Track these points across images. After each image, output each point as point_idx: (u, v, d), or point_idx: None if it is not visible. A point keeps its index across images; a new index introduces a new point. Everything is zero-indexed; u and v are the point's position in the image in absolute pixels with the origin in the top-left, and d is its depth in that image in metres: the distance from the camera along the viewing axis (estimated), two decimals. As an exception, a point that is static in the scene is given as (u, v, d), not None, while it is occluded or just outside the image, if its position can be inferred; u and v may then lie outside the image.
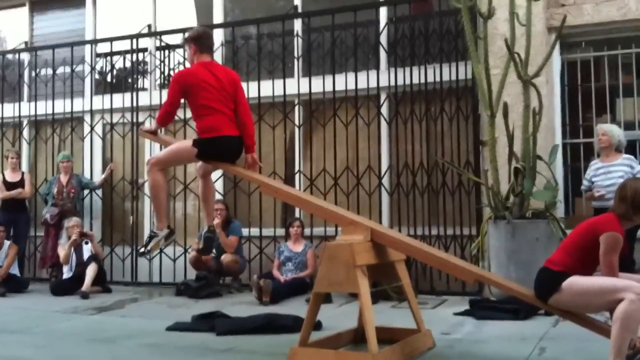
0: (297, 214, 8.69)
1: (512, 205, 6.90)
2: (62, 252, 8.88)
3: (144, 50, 10.07)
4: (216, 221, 7.88)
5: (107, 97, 10.04)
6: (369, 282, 4.53)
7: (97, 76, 10.52)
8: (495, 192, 6.95)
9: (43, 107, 10.40)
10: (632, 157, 6.90)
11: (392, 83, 8.47)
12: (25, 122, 10.69)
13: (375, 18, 8.75)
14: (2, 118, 10.75)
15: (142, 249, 5.78)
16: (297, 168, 9.04)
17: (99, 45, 10.41)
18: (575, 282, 4.15)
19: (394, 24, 8.67)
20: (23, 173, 9.91)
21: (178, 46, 9.48)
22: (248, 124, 5.53)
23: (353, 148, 8.64)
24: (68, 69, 10.35)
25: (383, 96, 8.64)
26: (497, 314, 6.19)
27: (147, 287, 9.15)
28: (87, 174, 10.05)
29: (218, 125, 5.37)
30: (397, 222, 8.30)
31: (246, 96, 5.73)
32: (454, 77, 8.18)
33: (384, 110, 8.62)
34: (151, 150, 9.37)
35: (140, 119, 9.69)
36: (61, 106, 10.26)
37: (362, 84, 8.59)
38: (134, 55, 10.02)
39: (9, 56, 11.14)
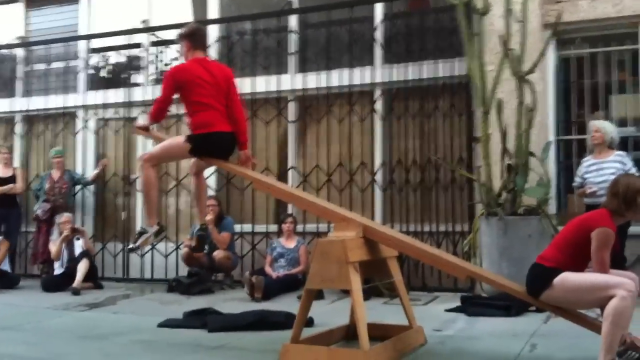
0: (289, 210, 8.67)
1: (504, 201, 6.90)
2: (53, 248, 8.84)
3: (138, 45, 10.03)
4: (209, 217, 7.87)
5: (100, 92, 10.02)
6: (361, 279, 4.52)
7: (91, 71, 10.48)
8: (488, 188, 6.95)
9: (36, 103, 10.35)
10: (624, 153, 6.88)
11: (387, 79, 8.46)
12: (18, 117, 10.64)
13: (370, 14, 8.73)
14: (-5, 113, 10.71)
15: (132, 245, 5.77)
16: (290, 164, 9.03)
17: (93, 40, 10.37)
18: (567, 278, 4.15)
19: (389, 20, 8.65)
20: (15, 168, 9.84)
21: (172, 42, 9.43)
22: (241, 121, 5.52)
23: (346, 144, 8.63)
24: (62, 64, 10.31)
25: (377, 93, 8.63)
26: (488, 311, 6.20)
27: (139, 284, 9.12)
28: (79, 170, 10.01)
29: (211, 121, 5.35)
30: (389, 218, 8.31)
31: (240, 92, 5.71)
32: (448, 74, 8.19)
33: (378, 106, 8.61)
34: (144, 146, 9.34)
35: (134, 115, 9.67)
36: (54, 101, 10.22)
37: (356, 80, 8.60)
38: (128, 51, 9.98)
39: (3, 51, 11.10)
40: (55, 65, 10.42)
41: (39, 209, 9.43)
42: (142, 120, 8.42)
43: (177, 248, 9.00)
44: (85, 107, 10.13)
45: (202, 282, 8.19)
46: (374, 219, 8.22)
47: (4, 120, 10.79)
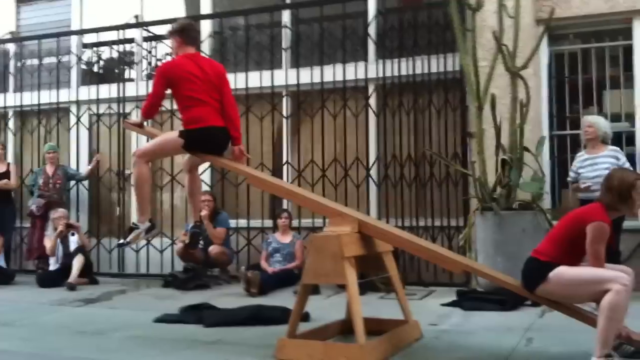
0: (285, 206, 8.68)
1: (499, 196, 6.91)
2: (48, 243, 8.83)
3: (131, 41, 10.00)
4: (204, 212, 7.88)
5: (93, 87, 9.99)
6: (356, 274, 4.53)
7: (83, 67, 10.45)
8: (483, 183, 6.97)
9: (29, 98, 10.32)
10: (617, 149, 6.91)
11: (380, 75, 8.47)
12: (10, 112, 10.60)
13: (363, 10, 8.73)
14: (-12, 108, 10.67)
15: (122, 241, 5.77)
16: (285, 159, 9.02)
17: (86, 35, 10.34)
18: (562, 272, 4.17)
19: (383, 15, 8.66)
20: (9, 164, 9.82)
21: (165, 37, 9.39)
22: (234, 116, 5.52)
23: (341, 140, 8.64)
24: (54, 60, 10.28)
25: (371, 88, 8.64)
26: (484, 305, 6.23)
27: (134, 279, 9.10)
28: (73, 165, 9.98)
29: (204, 116, 5.35)
30: (384, 213, 8.33)
31: (233, 87, 5.71)
32: (442, 69, 8.21)
33: (372, 102, 8.61)
34: (138, 141, 9.33)
35: (127, 110, 9.66)
36: (47, 97, 10.20)
37: (350, 76, 8.60)
38: (121, 46, 9.96)
39: (-5, 46, 11.06)
40: (48, 60, 10.38)
41: (33, 204, 9.41)
42: (135, 116, 8.42)
43: (173, 243, 8.99)
44: (79, 103, 10.10)
45: (197, 278, 8.19)
46: (369, 214, 8.25)
47: (-4, 115, 10.76)
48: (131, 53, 10.10)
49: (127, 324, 5.99)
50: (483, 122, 7.08)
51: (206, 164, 8.08)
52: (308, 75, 8.79)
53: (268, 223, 8.82)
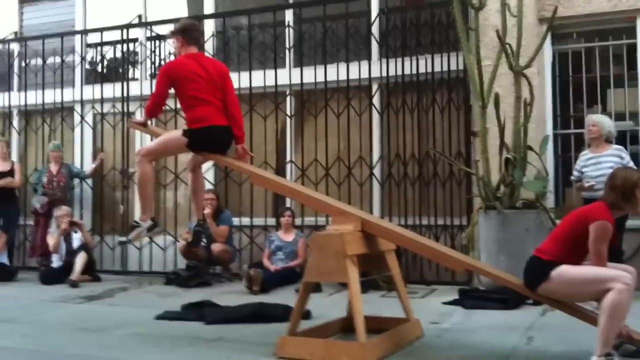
0: (288, 204, 8.68)
1: (502, 195, 6.90)
2: (51, 241, 8.86)
3: (135, 40, 10.02)
4: (207, 211, 7.90)
5: (97, 87, 10.01)
6: (358, 272, 4.53)
7: (87, 66, 10.47)
8: (486, 182, 6.96)
9: (33, 97, 10.35)
10: (622, 147, 6.90)
11: (384, 74, 8.47)
12: (15, 112, 10.64)
13: (366, 9, 8.72)
14: (-7, 108, 10.70)
15: (123, 239, 5.77)
16: (288, 158, 9.03)
17: (89, 35, 10.36)
18: (564, 271, 4.16)
19: (386, 14, 8.65)
20: (13, 162, 9.86)
21: (168, 37, 9.42)
22: (237, 115, 5.52)
23: (344, 138, 8.64)
24: (58, 59, 10.31)
25: (374, 87, 8.63)
26: (486, 304, 6.23)
27: (137, 276, 9.14)
28: (77, 164, 10.02)
29: (207, 115, 5.35)
30: (387, 212, 8.32)
31: (237, 87, 5.72)
32: (445, 68, 8.20)
33: (376, 101, 8.61)
34: (141, 140, 9.34)
35: (131, 109, 9.68)
36: (51, 96, 10.22)
37: (353, 75, 8.59)
38: (125, 46, 9.98)
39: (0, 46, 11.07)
40: (52, 60, 10.40)
41: (37, 202, 9.45)
42: (139, 115, 8.44)
43: (176, 241, 9.00)
44: (83, 102, 10.12)
45: (200, 275, 8.22)
46: (372, 212, 8.24)
47: (1, 114, 10.78)
48: (135, 52, 10.12)
49: (129, 321, 6.00)
50: (487, 121, 7.07)
51: (210, 163, 8.08)
52: (311, 75, 8.79)
53: (271, 221, 8.83)
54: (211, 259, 8.44)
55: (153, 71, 9.87)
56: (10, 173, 9.62)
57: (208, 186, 8.39)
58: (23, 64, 10.68)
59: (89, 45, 10.45)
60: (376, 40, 8.68)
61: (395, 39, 8.59)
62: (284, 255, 8.22)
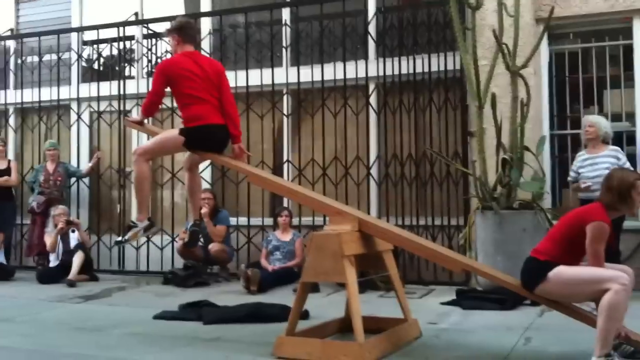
0: (285, 204, 8.68)
1: (499, 195, 6.91)
2: (48, 240, 8.84)
3: (131, 38, 10.00)
4: (204, 210, 7.89)
5: (94, 85, 10.00)
6: (356, 272, 4.53)
7: (83, 64, 10.45)
8: (483, 182, 6.96)
9: (29, 95, 10.32)
10: (618, 148, 6.91)
11: (381, 73, 8.47)
12: (11, 109, 10.61)
13: (363, 8, 8.72)
14: (-11, 105, 10.68)
15: (120, 238, 5.78)
16: (285, 158, 9.02)
17: (86, 33, 10.34)
18: (562, 271, 4.17)
19: (383, 14, 8.66)
20: (9, 161, 9.84)
21: (165, 34, 9.41)
22: (233, 114, 5.51)
23: (341, 138, 8.65)
24: (54, 57, 10.28)
25: (371, 86, 8.63)
26: (483, 304, 6.24)
27: (134, 276, 9.12)
28: (74, 162, 9.98)
29: (203, 113, 5.35)
30: (385, 212, 8.33)
31: (233, 85, 5.71)
32: (442, 68, 8.21)
33: (373, 100, 8.61)
34: (138, 139, 9.34)
35: (128, 107, 9.66)
36: (48, 94, 10.20)
37: (350, 74, 8.59)
38: (121, 43, 9.96)
39: (-5, 43, 11.07)
40: (48, 57, 10.38)
41: (33, 201, 9.43)
42: (136, 113, 8.43)
43: (173, 241, 9.00)
44: (79, 100, 10.10)
45: (197, 275, 8.21)
46: (370, 212, 8.25)
47: (-3, 112, 10.77)
48: (131, 50, 10.11)
49: (126, 320, 6.00)
50: (483, 121, 7.07)
51: (206, 162, 8.09)
52: (308, 74, 8.79)
53: (268, 221, 8.83)
54: (208, 258, 8.43)
55: (150, 69, 9.86)
56: (7, 171, 9.60)
57: (205, 185, 8.39)
58: (19, 62, 10.65)
59: (85, 43, 10.42)
60: (373, 39, 8.68)
61: (392, 38, 8.60)
62: (282, 255, 8.22)
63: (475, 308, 6.20)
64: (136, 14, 10.12)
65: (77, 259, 8.45)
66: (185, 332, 5.44)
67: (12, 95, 10.56)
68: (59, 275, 8.46)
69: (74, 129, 10.13)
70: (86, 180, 9.95)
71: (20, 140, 10.57)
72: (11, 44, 10.85)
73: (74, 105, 10.16)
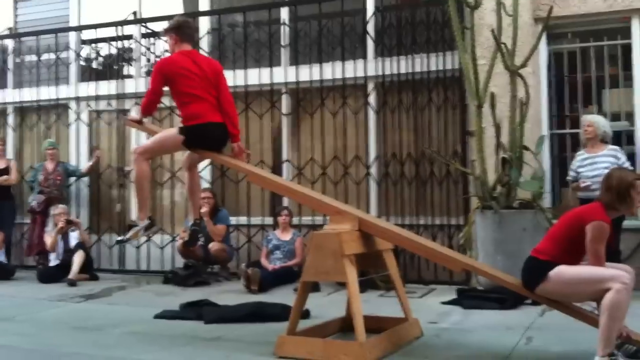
0: (285, 203, 8.68)
1: (499, 195, 6.91)
2: (48, 239, 8.83)
3: (130, 37, 9.99)
4: (204, 210, 7.89)
5: (92, 84, 10.00)
6: (356, 271, 4.54)
7: (82, 63, 10.44)
8: (483, 182, 6.96)
9: (28, 94, 10.31)
10: (617, 148, 6.92)
11: (380, 72, 8.47)
12: (10, 108, 10.60)
13: (362, 7, 8.72)
14: (-12, 104, 10.67)
15: (120, 237, 5.78)
16: (284, 157, 9.02)
17: (84, 32, 10.33)
18: (562, 271, 4.18)
19: (381, 13, 8.66)
20: (9, 160, 9.84)
21: (162, 34, 9.39)
22: (232, 113, 5.52)
23: (341, 137, 8.66)
24: (53, 56, 10.28)
25: (370, 86, 8.63)
26: (484, 303, 6.24)
27: (135, 275, 9.12)
28: (73, 162, 9.97)
29: (202, 112, 5.35)
30: (385, 211, 8.33)
31: (232, 85, 5.71)
32: (441, 67, 8.21)
33: (372, 99, 8.61)
34: (137, 138, 9.34)
35: (126, 107, 9.66)
36: (46, 93, 10.20)
37: (349, 73, 8.60)
38: (119, 43, 9.95)
39: (-7, 42, 11.05)
40: (47, 56, 10.37)
41: (33, 200, 9.42)
42: (135, 112, 8.42)
43: (173, 240, 9.00)
44: (78, 99, 10.10)
45: (198, 274, 8.21)
46: (369, 211, 8.25)
47: (-4, 111, 10.76)
48: (130, 49, 10.09)
49: (126, 320, 6.00)
50: (483, 120, 7.08)
51: (206, 161, 8.08)
52: (307, 73, 8.79)
53: (268, 220, 8.84)
54: (209, 258, 8.43)
55: (148, 68, 9.85)
56: (6, 171, 9.60)
57: (205, 185, 8.39)
58: (17, 61, 10.64)
59: (83, 42, 10.41)
60: (372, 38, 8.68)
61: (391, 37, 8.60)
62: (282, 254, 8.22)
63: (476, 307, 6.21)
64: (134, 13, 10.11)
65: (77, 258, 8.46)
66: (186, 332, 5.44)
67: (11, 95, 10.54)
68: (59, 274, 8.46)
69: (72, 128, 10.12)
70: (86, 179, 9.94)
71: (19, 140, 10.56)
72: (9, 43, 10.83)
73: (72, 105, 10.15)
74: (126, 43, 10.05)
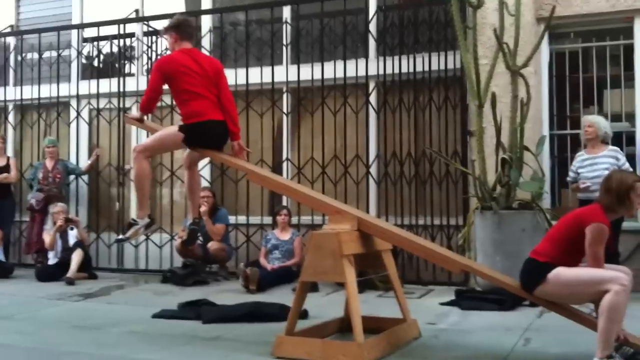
0: (284, 203, 8.67)
1: (498, 195, 6.90)
2: (47, 237, 8.82)
3: (131, 35, 9.99)
4: (203, 208, 7.88)
5: (93, 82, 9.98)
6: (355, 272, 4.53)
7: (83, 61, 10.44)
8: (482, 182, 6.96)
9: (29, 92, 10.30)
10: (617, 149, 6.90)
11: (381, 72, 8.46)
12: (10, 106, 10.59)
13: (364, 6, 8.70)
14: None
15: (120, 236, 5.77)
16: (284, 156, 9.02)
17: (86, 30, 10.32)
18: (561, 273, 4.17)
19: (384, 12, 8.65)
20: (9, 158, 9.83)
21: (162, 32, 9.39)
22: (232, 111, 5.51)
23: (341, 136, 8.64)
24: (54, 54, 10.27)
25: (371, 85, 8.62)
26: (482, 305, 6.23)
27: (133, 274, 9.11)
28: (73, 160, 9.96)
29: (202, 110, 5.34)
30: (384, 211, 8.32)
31: (233, 83, 5.70)
32: (442, 67, 8.19)
33: (373, 99, 8.60)
34: (138, 136, 9.34)
35: (127, 105, 9.64)
36: (47, 91, 10.19)
37: (350, 72, 8.58)
38: (121, 41, 9.94)
39: (-5, 39, 11.05)
40: (48, 54, 10.37)
41: (32, 198, 9.41)
42: (135, 111, 8.41)
43: (172, 239, 8.99)
44: (79, 97, 10.09)
45: (196, 274, 8.20)
46: (369, 211, 8.24)
47: (-4, 109, 10.77)
48: (131, 47, 10.09)
49: (125, 319, 6.00)
50: (483, 120, 7.07)
51: (206, 160, 8.07)
52: (308, 72, 8.77)
53: (267, 220, 8.82)
54: (207, 257, 8.42)
55: (149, 66, 9.84)
56: (6, 168, 9.59)
57: (204, 184, 8.38)
58: (19, 58, 10.64)
59: (85, 40, 10.40)
60: (374, 37, 8.67)
61: (393, 36, 8.59)
62: (281, 254, 8.21)
63: (474, 308, 6.19)
64: (136, 11, 10.11)
65: (76, 257, 8.44)
66: (184, 331, 5.44)
67: (12, 92, 10.53)
68: (58, 273, 8.44)
69: (73, 126, 10.12)
70: (85, 177, 9.94)
71: (19, 137, 10.56)
72: (11, 40, 10.84)
73: (73, 103, 10.15)
74: (128, 41, 10.04)
